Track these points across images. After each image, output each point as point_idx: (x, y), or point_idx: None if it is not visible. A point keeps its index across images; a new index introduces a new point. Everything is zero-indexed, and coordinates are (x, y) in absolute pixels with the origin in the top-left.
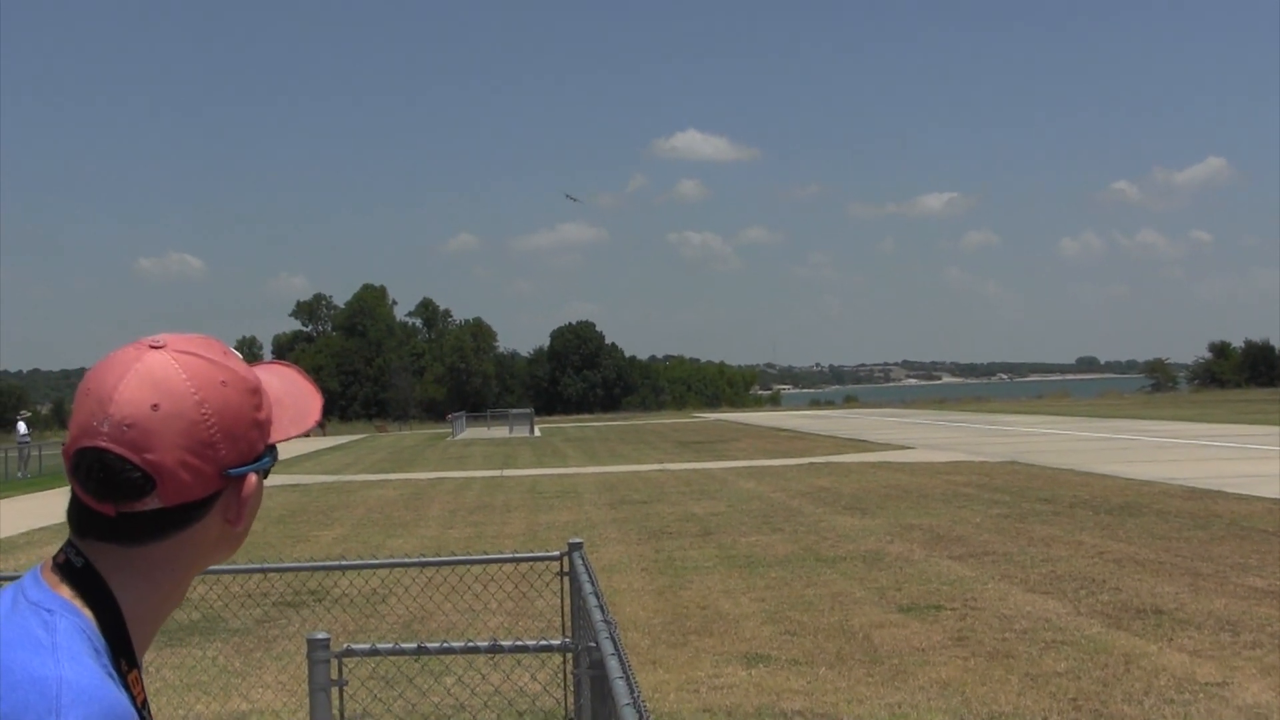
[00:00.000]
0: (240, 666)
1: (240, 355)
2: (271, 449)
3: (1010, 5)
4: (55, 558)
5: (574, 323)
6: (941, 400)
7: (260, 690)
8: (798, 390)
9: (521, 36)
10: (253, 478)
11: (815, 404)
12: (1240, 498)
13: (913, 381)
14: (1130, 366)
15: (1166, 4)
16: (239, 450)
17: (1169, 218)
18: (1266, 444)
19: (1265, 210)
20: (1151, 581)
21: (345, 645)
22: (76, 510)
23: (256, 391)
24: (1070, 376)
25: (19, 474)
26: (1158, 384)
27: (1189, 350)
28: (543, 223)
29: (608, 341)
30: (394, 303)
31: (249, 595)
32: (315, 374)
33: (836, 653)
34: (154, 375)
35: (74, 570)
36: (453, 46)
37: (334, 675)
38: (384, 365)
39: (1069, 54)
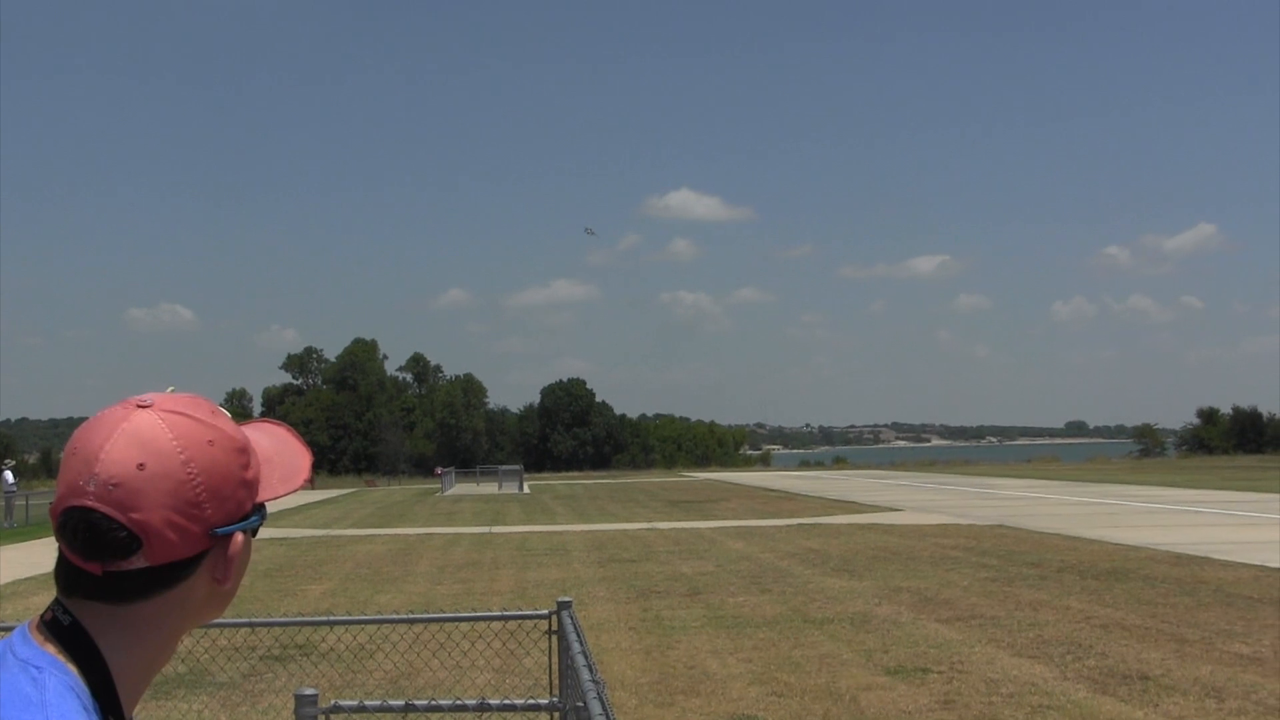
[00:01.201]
0: None
1: (229, 414)
2: (260, 508)
3: (999, 69)
4: (43, 615)
5: (565, 380)
6: (930, 462)
7: None
8: (787, 450)
9: (516, 92)
10: (240, 537)
11: (805, 464)
12: (1226, 564)
13: (902, 443)
14: (1119, 431)
15: (1156, 70)
16: (226, 510)
17: (1159, 283)
18: (1253, 510)
19: (1255, 277)
20: (1138, 647)
21: (333, 701)
22: (64, 569)
23: (244, 451)
24: (1059, 440)
25: (5, 524)
26: (1146, 449)
27: (1178, 416)
28: (535, 279)
29: (598, 399)
30: (385, 357)
31: (236, 649)
32: (305, 427)
33: (823, 715)
34: (141, 435)
35: (61, 628)
36: (447, 100)
37: None
38: (374, 420)
39: (1060, 119)
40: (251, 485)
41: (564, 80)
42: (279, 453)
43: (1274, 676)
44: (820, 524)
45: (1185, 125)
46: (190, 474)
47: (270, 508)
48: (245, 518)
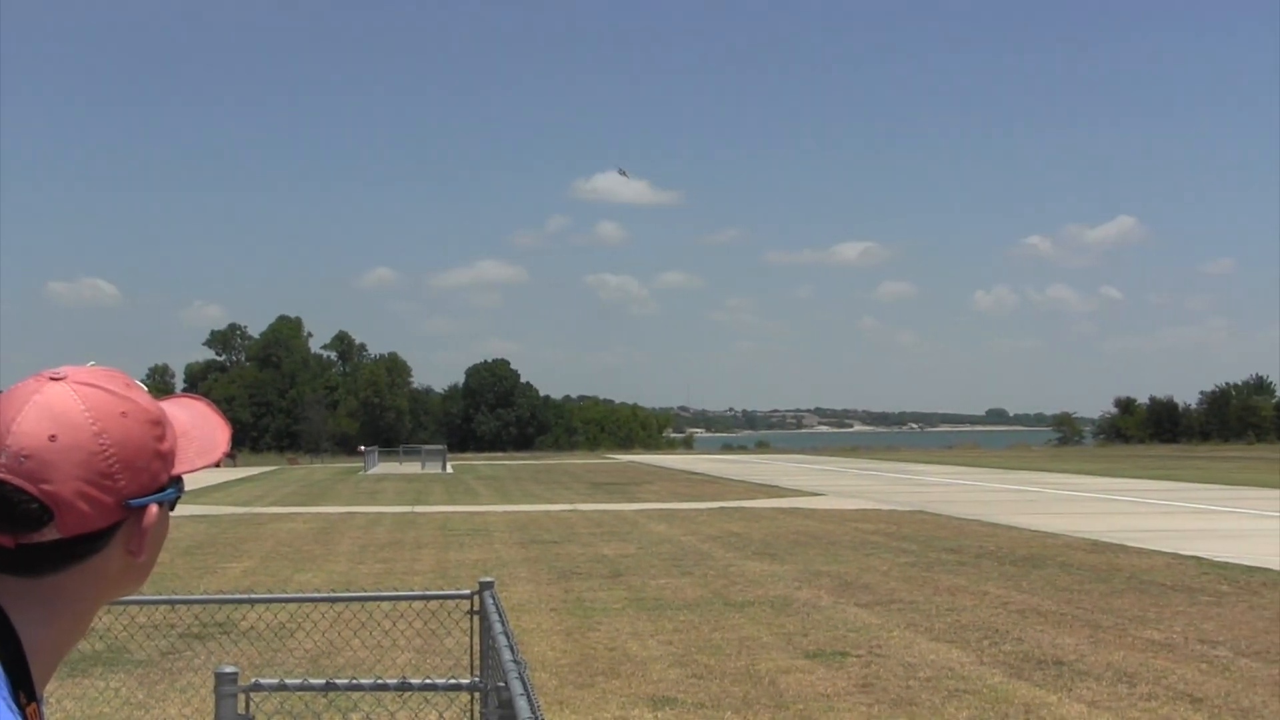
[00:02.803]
0: (144, 699)
1: (145, 388)
2: (176, 481)
3: (925, 60)
4: None
5: (490, 360)
6: (853, 448)
7: None
8: (711, 434)
9: (444, 72)
10: (154, 509)
11: (728, 448)
12: (1141, 552)
13: (825, 428)
14: (1039, 420)
15: (1079, 64)
16: (140, 481)
17: (1080, 274)
18: (1168, 499)
19: (1173, 270)
20: (1053, 633)
21: (253, 680)
22: None
23: (159, 423)
24: (980, 428)
25: None
26: (1064, 437)
27: (1096, 405)
28: (461, 260)
29: (523, 380)
30: (309, 335)
31: (154, 626)
32: (227, 404)
33: (743, 697)
34: (53, 407)
35: None
36: (374, 78)
37: (241, 709)
38: (297, 397)
39: (984, 110)
40: (166, 457)
41: (492, 61)
42: (196, 426)
43: (1184, 662)
44: (742, 508)
45: (1108, 117)
46: (103, 445)
47: (190, 483)
48: (160, 490)
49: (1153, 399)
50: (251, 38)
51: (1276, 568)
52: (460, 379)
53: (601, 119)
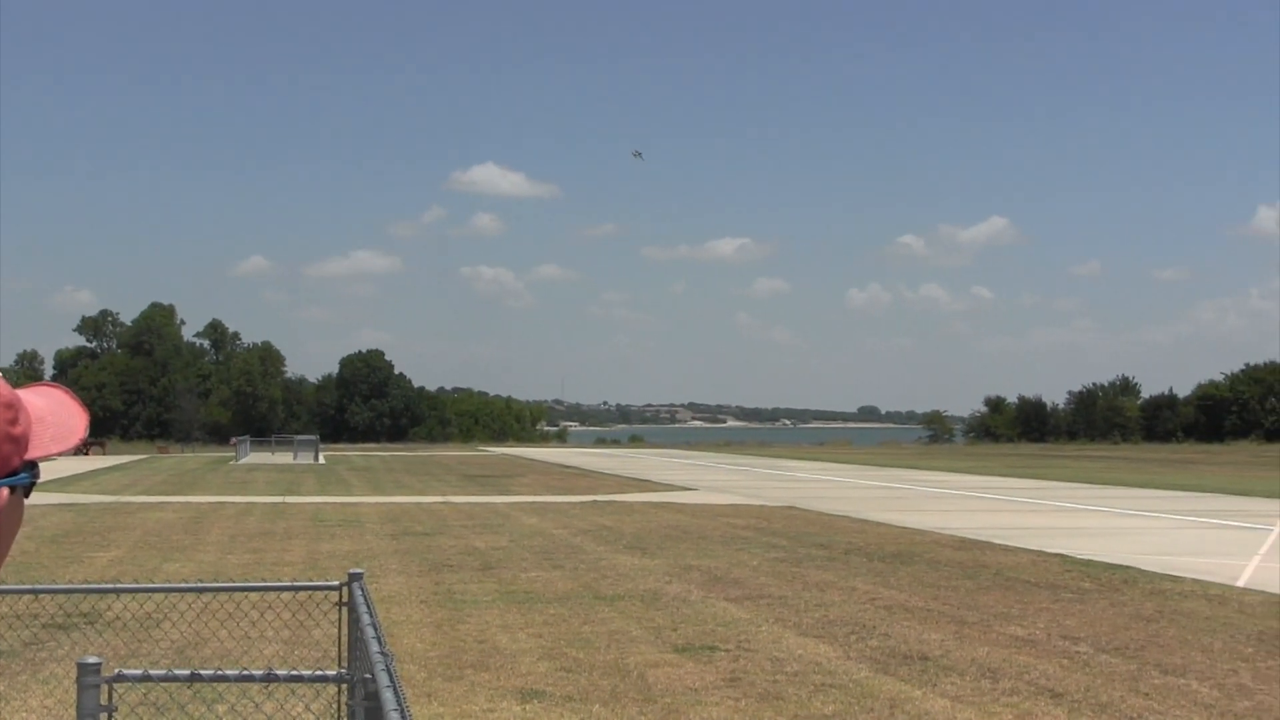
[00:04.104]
0: (4, 690)
1: (1, 374)
2: (31, 466)
3: (809, 58)
4: None
5: (364, 351)
6: (726, 443)
7: (25, 715)
8: (585, 428)
9: (320, 62)
10: (4, 492)
11: (601, 442)
12: (1007, 549)
13: (698, 423)
14: (910, 417)
15: (951, 63)
16: None
17: (953, 274)
18: (1034, 497)
19: (1044, 271)
20: (919, 628)
21: (116, 670)
22: None
23: (11, 406)
24: (852, 425)
25: None
26: (935, 435)
27: (967, 404)
28: (337, 250)
29: (397, 371)
30: (182, 323)
31: (17, 616)
32: (98, 392)
33: (611, 690)
34: None
35: None
36: (252, 65)
37: (104, 701)
38: (169, 386)
39: (862, 108)
40: (19, 441)
41: (369, 51)
42: (54, 412)
43: (1046, 658)
44: (614, 501)
45: (983, 119)
46: None
47: (59, 472)
48: (13, 474)
49: (1021, 398)
50: (122, 19)
51: (1138, 565)
52: (334, 369)
53: (480, 111)
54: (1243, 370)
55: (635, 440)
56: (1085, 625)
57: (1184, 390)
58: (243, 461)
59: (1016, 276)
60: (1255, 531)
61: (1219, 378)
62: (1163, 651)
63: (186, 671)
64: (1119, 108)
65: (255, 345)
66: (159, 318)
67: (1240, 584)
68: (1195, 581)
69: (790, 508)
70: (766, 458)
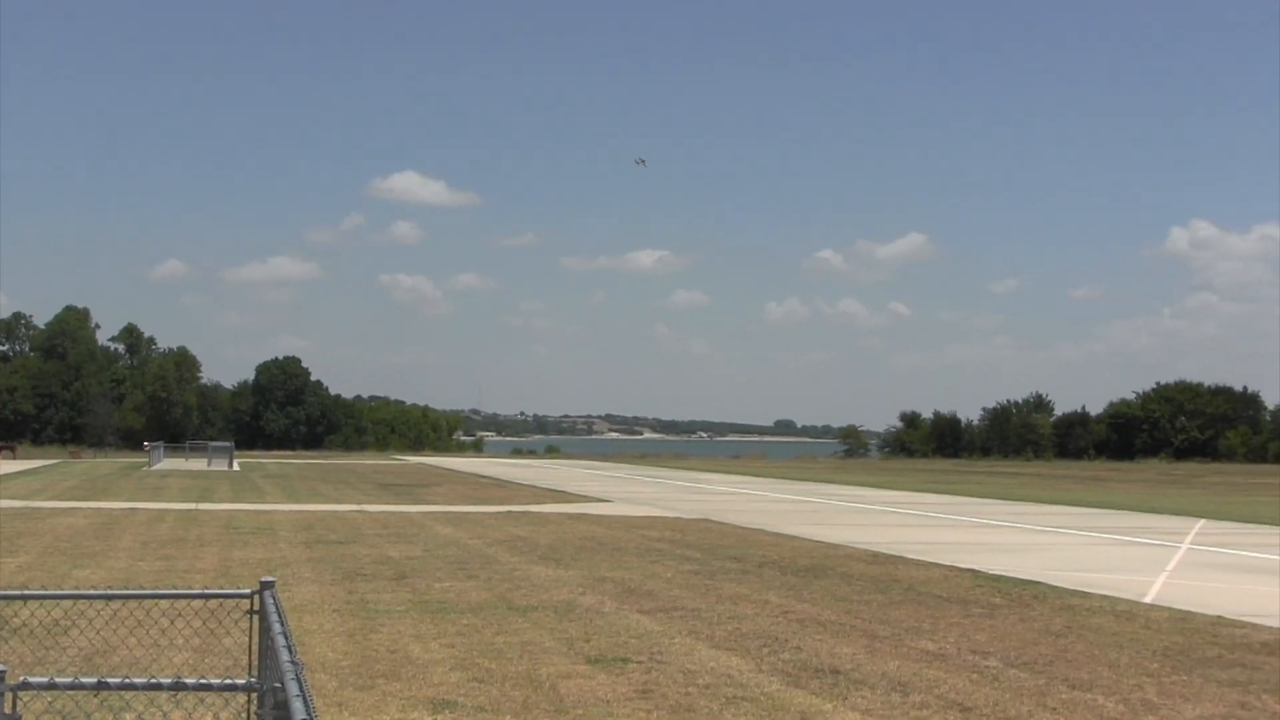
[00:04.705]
0: None
1: None
2: None
3: (719, 74)
4: None
5: (281, 358)
6: (642, 455)
7: None
8: (501, 438)
9: (242, 63)
10: None
11: (518, 452)
12: (919, 564)
13: (615, 435)
14: (826, 431)
15: (868, 80)
16: None
17: (870, 289)
18: (947, 512)
19: (960, 287)
20: (831, 642)
21: (22, 678)
22: None
23: None
24: (768, 438)
25: None
26: (850, 450)
27: (883, 419)
28: (255, 255)
29: (314, 379)
30: (97, 326)
31: None
32: (9, 395)
33: (523, 701)
34: None
35: None
36: (172, 67)
37: (8, 710)
38: (82, 390)
39: (779, 123)
40: None
41: (289, 56)
42: None
43: (956, 672)
44: (530, 512)
45: (902, 135)
46: None
47: None
48: None
49: (937, 414)
50: (34, 16)
51: (1048, 581)
52: (251, 375)
53: (400, 118)
54: (1154, 389)
55: (552, 451)
56: (995, 640)
57: (1096, 408)
58: (156, 467)
59: (934, 293)
60: (1163, 548)
61: (1131, 396)
62: (1071, 666)
63: (93, 680)
64: (1037, 127)
65: (171, 350)
66: (73, 321)
67: (1148, 600)
68: (1104, 597)
69: (705, 520)
70: (682, 470)
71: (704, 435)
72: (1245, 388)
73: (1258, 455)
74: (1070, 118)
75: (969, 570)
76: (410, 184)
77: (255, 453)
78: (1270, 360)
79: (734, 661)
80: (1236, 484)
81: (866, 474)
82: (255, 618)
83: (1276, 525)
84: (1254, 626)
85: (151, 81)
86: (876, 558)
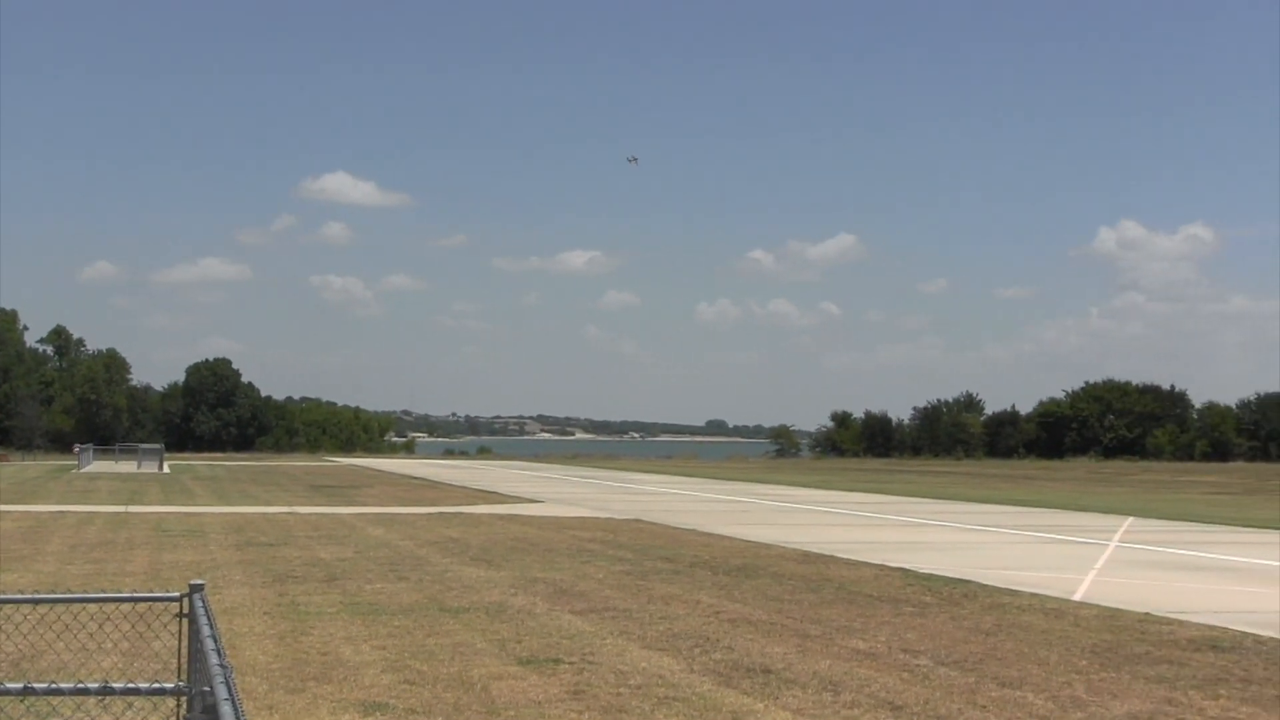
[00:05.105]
0: None
1: None
2: None
3: (647, 72)
4: None
5: (211, 360)
6: (574, 455)
7: None
8: (433, 439)
9: (171, 62)
10: None
11: (450, 454)
12: (850, 563)
13: (547, 436)
14: (757, 431)
15: (797, 80)
16: None
17: (801, 289)
18: (877, 512)
19: (890, 288)
20: (763, 642)
21: None
22: None
23: None
24: (700, 438)
25: None
26: (782, 450)
27: (814, 419)
28: (184, 256)
29: (244, 380)
30: (25, 328)
31: None
32: None
33: (454, 703)
34: None
35: None
36: (100, 65)
37: None
38: (10, 392)
39: (710, 124)
40: None
41: (219, 55)
42: None
43: (887, 671)
44: (461, 513)
45: (833, 136)
46: None
47: None
48: None
49: (867, 414)
50: None
51: (978, 580)
52: (181, 377)
53: (331, 118)
54: (1082, 388)
55: (484, 452)
56: (926, 639)
57: (1026, 407)
58: (85, 470)
59: (864, 293)
60: (1092, 546)
61: (1060, 395)
62: (1000, 664)
63: (19, 685)
64: (966, 128)
65: (100, 352)
66: (1, 323)
67: (1077, 598)
68: (1033, 595)
69: (637, 521)
70: (614, 470)
71: (636, 436)
72: (1173, 386)
73: (1185, 453)
74: (999, 118)
75: (900, 569)
76: (341, 184)
77: (186, 455)
78: (1197, 359)
79: (666, 662)
80: (1164, 482)
81: (798, 474)
82: (184, 621)
83: (1203, 523)
84: (1180, 623)
85: (79, 81)
86: (808, 557)
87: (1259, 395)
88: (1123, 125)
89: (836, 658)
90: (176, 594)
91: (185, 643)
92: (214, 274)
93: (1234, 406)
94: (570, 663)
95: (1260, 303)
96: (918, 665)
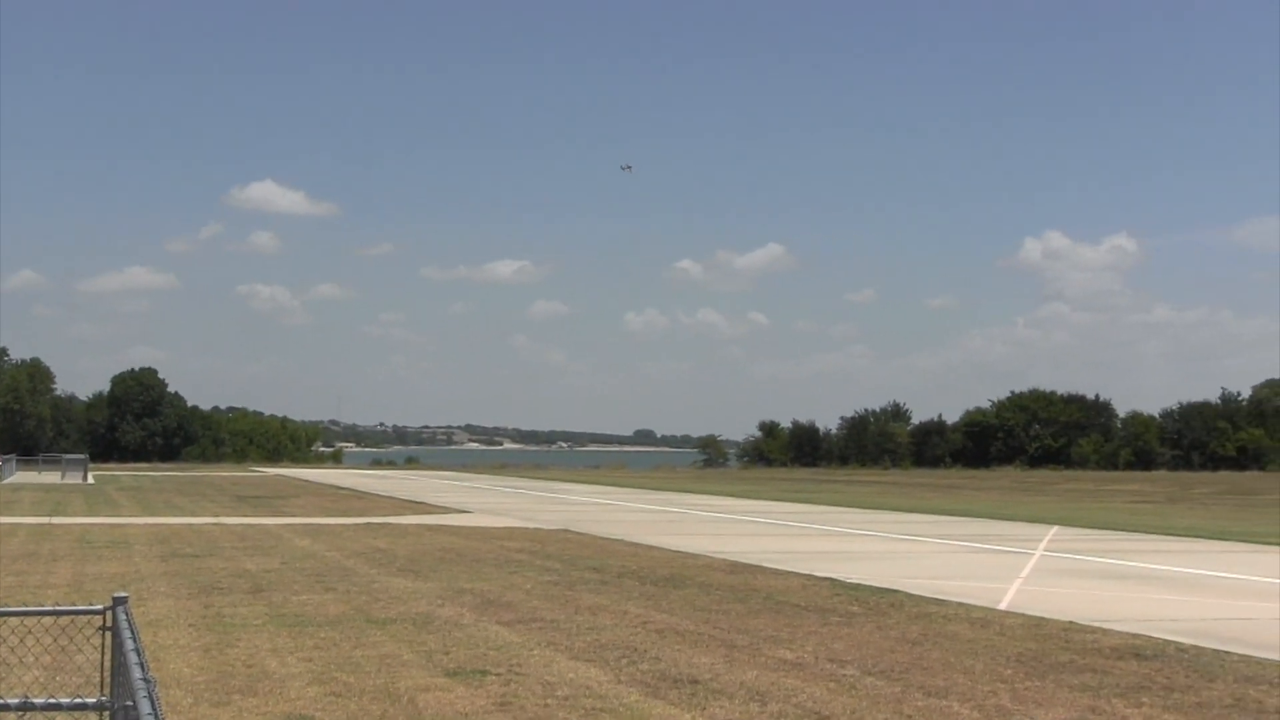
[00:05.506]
0: None
1: None
2: None
3: (574, 82)
4: None
5: (136, 369)
6: (502, 465)
7: None
8: (361, 449)
9: (96, 67)
10: None
11: (377, 463)
12: (777, 573)
13: (475, 445)
14: (685, 441)
15: (723, 89)
16: None
17: (729, 299)
18: (805, 521)
19: (818, 297)
20: (690, 652)
21: None
22: None
23: None
24: (628, 448)
25: None
26: (710, 459)
27: (742, 428)
28: (110, 265)
29: (170, 390)
30: None
31: None
32: None
33: (380, 715)
34: None
35: None
36: (21, 69)
37: None
38: None
39: (637, 134)
40: None
41: (146, 62)
42: None
43: (814, 681)
44: (389, 524)
45: (760, 146)
46: None
47: None
48: None
49: (795, 423)
50: None
51: (905, 589)
52: (106, 387)
53: (259, 127)
54: (1008, 398)
55: (411, 462)
56: (853, 648)
57: (953, 417)
58: (7, 481)
59: (792, 303)
60: (1018, 555)
61: (986, 405)
62: (927, 674)
63: None
64: (893, 139)
65: (24, 361)
66: None
67: (1002, 607)
68: (960, 605)
69: (564, 531)
70: (542, 480)
71: (564, 445)
72: (1097, 396)
73: (1109, 462)
74: (925, 129)
75: (827, 579)
76: (269, 193)
77: (111, 465)
78: (1121, 369)
79: (593, 673)
80: (1088, 491)
81: (725, 483)
82: (108, 634)
83: (1126, 531)
84: (1104, 631)
85: (4, 87)
86: (735, 567)
87: (1181, 404)
88: (1048, 136)
89: (764, 668)
90: (100, 607)
91: (108, 656)
92: (140, 282)
93: (1157, 416)
94: (497, 674)
95: (1183, 312)
96: (844, 675)
